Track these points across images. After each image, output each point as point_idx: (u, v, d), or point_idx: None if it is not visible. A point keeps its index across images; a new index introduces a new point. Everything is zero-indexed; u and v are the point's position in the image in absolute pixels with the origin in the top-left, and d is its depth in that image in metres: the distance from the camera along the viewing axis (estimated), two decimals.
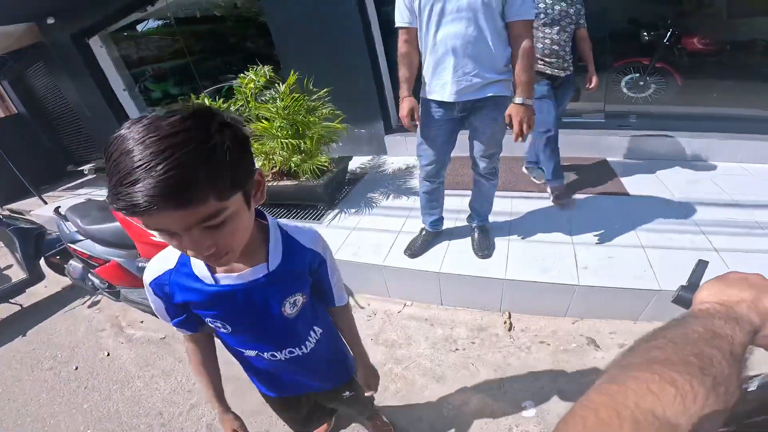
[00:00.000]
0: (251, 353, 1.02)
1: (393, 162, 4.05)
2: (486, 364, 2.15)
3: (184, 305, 0.88)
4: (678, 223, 2.53)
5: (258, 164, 3.17)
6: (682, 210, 2.66)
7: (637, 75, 3.66)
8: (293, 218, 3.18)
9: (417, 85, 2.07)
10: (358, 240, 2.80)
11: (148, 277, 0.85)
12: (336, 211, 3.20)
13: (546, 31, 2.62)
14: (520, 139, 1.92)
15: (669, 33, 3.44)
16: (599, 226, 2.58)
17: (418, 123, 2.07)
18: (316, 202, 3.23)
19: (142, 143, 0.50)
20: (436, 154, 2.20)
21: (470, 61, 1.85)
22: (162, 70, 5.68)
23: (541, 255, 2.38)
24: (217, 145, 0.55)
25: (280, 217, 3.20)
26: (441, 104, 2.02)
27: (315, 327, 1.08)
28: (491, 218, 2.62)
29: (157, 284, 0.85)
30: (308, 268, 0.94)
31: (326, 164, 3.17)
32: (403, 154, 4.11)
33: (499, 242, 2.56)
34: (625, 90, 3.69)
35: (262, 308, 0.89)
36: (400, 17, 1.95)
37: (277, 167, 3.21)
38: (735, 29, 3.51)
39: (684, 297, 0.61)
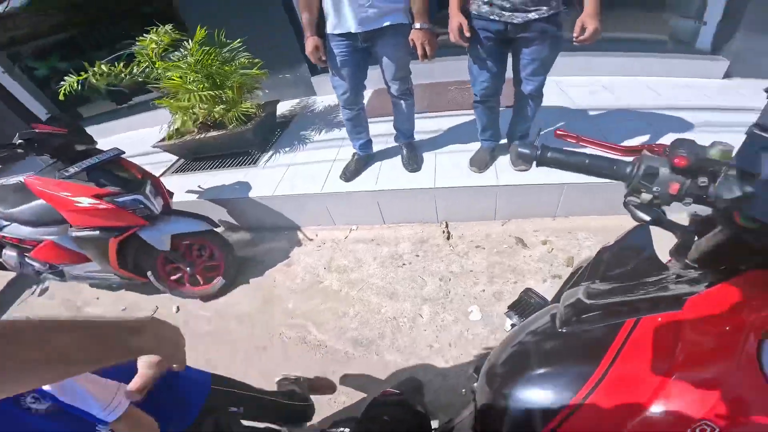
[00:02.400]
0: None
1: (322, 101, 4.03)
2: (431, 274, 2.32)
3: None
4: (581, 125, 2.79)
5: (178, 121, 3.12)
6: (582, 114, 2.92)
7: None
8: (228, 167, 3.17)
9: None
10: (295, 174, 2.86)
11: None
12: (270, 152, 3.22)
13: None
14: (426, 60, 2.06)
15: None
16: None
17: (324, 58, 2.14)
18: (249, 148, 3.23)
19: None
20: (348, 82, 2.26)
21: None
22: (41, 45, 5.18)
23: (465, 163, 2.52)
24: None
25: (216, 168, 3.19)
26: (344, 36, 2.07)
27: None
28: (417, 136, 2.73)
29: None
30: None
31: (252, 110, 3.14)
32: (332, 92, 4.02)
33: (427, 156, 2.68)
34: None
35: None
36: None
37: (200, 119, 3.14)
38: None
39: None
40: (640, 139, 2.47)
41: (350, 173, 2.63)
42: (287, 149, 3.22)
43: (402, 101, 2.43)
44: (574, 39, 1.74)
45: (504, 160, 2.48)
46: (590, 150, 0.69)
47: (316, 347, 2.12)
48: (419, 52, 2.01)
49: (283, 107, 3.88)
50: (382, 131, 2.91)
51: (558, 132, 0.76)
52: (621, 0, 4.17)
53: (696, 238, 0.67)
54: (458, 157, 2.59)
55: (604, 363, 0.57)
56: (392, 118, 2.57)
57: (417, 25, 1.97)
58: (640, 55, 3.62)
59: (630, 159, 0.63)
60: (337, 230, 2.75)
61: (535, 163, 0.66)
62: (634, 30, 4.06)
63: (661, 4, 4.23)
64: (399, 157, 2.68)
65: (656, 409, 0.51)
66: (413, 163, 2.58)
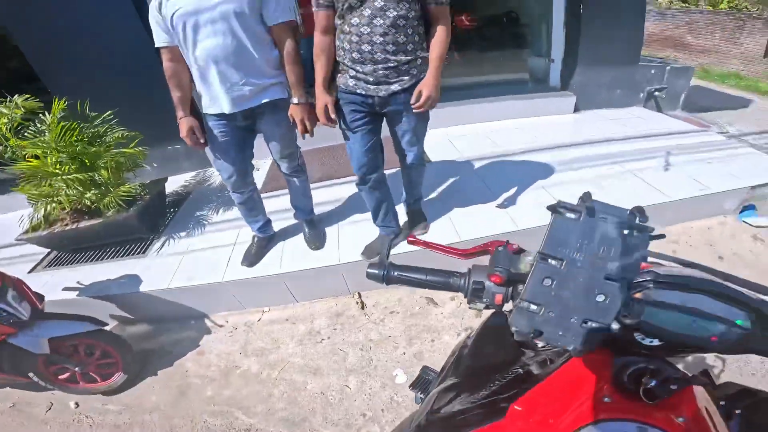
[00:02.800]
0: None
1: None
2: (351, 345, 2.33)
3: None
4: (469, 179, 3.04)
5: (40, 210, 2.75)
6: (468, 166, 3.21)
7: None
8: (110, 258, 2.83)
9: None
10: (193, 262, 2.66)
11: None
12: (163, 239, 2.94)
13: (352, 20, 1.66)
14: (307, 134, 2.01)
15: None
16: None
17: (202, 141, 2.04)
18: (135, 235, 2.90)
19: None
20: (232, 165, 2.16)
21: (235, 71, 1.84)
22: None
23: (369, 234, 2.55)
24: None
25: (97, 260, 2.83)
26: (221, 116, 1.98)
27: None
28: (317, 209, 2.72)
29: None
30: None
31: (134, 192, 2.85)
32: None
33: (331, 230, 2.70)
34: None
35: None
36: (158, 38, 1.81)
37: (68, 208, 2.77)
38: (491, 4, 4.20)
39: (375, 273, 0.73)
40: (502, 201, 2.77)
41: (252, 258, 2.51)
42: (182, 234, 2.96)
43: (294, 179, 2.39)
44: (412, 106, 1.81)
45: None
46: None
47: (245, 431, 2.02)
48: (299, 128, 1.98)
49: (175, 183, 3.60)
50: (282, 206, 2.85)
51: (409, 239, 0.84)
52: (486, 43, 4.67)
53: None
54: (362, 227, 2.64)
55: None
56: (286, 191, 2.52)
57: (294, 100, 1.92)
58: (508, 98, 4.04)
59: (468, 262, 0.74)
60: (248, 314, 2.63)
61: (384, 282, 0.72)
62: (502, 72, 4.50)
63: (521, 44, 4.73)
64: (302, 234, 2.64)
65: None
66: (316, 241, 2.56)
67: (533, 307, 0.55)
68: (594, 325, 0.53)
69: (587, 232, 0.53)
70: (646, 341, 0.59)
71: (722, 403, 0.65)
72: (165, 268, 2.63)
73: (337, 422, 1.98)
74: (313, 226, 2.61)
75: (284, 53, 1.86)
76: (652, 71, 4.22)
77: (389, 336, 2.34)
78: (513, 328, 0.57)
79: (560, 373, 0.64)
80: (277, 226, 2.73)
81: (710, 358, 1.86)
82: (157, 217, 3.14)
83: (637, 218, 0.53)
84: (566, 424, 0.52)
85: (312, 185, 2.58)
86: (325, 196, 3.01)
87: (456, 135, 3.68)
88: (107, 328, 2.21)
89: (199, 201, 3.41)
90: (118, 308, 2.62)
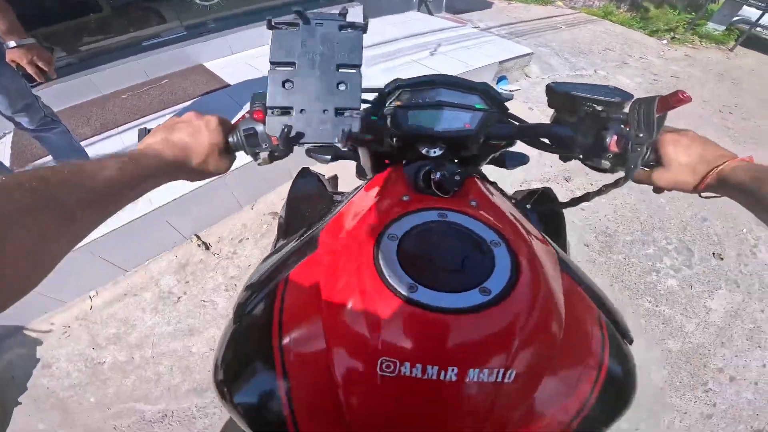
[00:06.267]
0: None
1: None
2: (215, 291, 2.24)
3: None
4: None
5: None
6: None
7: None
8: None
9: None
10: None
11: None
12: None
13: None
14: (45, 78, 1.76)
15: None
16: None
17: None
18: None
19: None
20: None
21: None
22: None
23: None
24: None
25: None
26: None
27: None
28: None
29: None
30: None
31: None
32: None
33: None
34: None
35: None
36: None
37: None
38: None
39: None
40: None
41: None
42: None
43: (48, 134, 1.98)
44: None
45: None
46: None
47: (162, 419, 1.95)
48: (31, 71, 1.68)
49: None
50: None
51: None
52: None
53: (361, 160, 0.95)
54: None
55: (275, 339, 0.52)
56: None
57: (11, 44, 1.62)
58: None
59: None
60: (73, 306, 2.20)
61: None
62: None
63: None
64: None
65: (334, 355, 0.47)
66: None
67: (282, 113, 0.62)
68: (347, 113, 0.61)
69: (308, 38, 0.60)
70: (431, 153, 0.72)
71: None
72: None
73: None
74: None
75: None
76: None
77: (249, 265, 2.26)
78: (271, 135, 0.63)
79: (359, 195, 0.70)
80: None
81: None
82: None
83: (345, 17, 0.61)
84: (374, 228, 0.54)
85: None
86: (106, 147, 2.51)
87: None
88: None
89: None
90: None
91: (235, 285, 2.19)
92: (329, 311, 0.49)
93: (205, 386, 1.99)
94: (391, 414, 0.45)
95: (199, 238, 2.28)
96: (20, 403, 1.97)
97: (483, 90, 0.74)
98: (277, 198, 2.43)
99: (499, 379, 0.43)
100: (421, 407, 0.44)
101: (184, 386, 2.00)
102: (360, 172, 1.00)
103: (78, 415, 1.96)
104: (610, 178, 0.69)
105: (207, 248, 2.27)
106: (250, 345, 0.56)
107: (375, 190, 0.66)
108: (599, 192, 0.71)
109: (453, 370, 0.42)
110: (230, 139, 0.65)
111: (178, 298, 2.19)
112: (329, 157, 0.80)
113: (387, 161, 0.87)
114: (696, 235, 2.42)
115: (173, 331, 2.13)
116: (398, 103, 0.72)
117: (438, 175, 0.62)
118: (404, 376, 0.43)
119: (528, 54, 4.28)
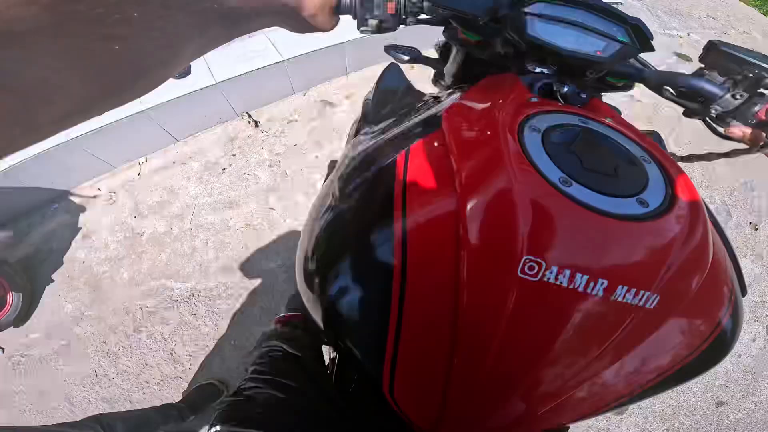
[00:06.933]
0: None
1: None
2: (258, 166, 2.20)
3: None
4: None
5: None
6: None
7: None
8: None
9: None
10: None
11: None
12: None
13: None
14: None
15: None
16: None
17: None
18: None
19: None
20: None
21: None
22: None
23: (242, 52, 2.22)
24: None
25: None
26: None
27: None
28: None
29: None
30: None
31: None
32: None
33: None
34: None
35: None
36: None
37: None
38: None
39: None
40: None
41: None
42: None
43: None
44: None
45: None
46: None
47: (189, 298, 1.86)
48: None
49: None
50: None
51: None
52: None
53: (446, 65, 0.84)
54: (232, 47, 2.24)
55: (398, 207, 0.46)
56: None
57: None
58: None
59: None
60: (122, 171, 2.21)
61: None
62: None
63: None
64: None
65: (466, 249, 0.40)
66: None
67: None
68: None
69: None
70: (538, 70, 0.63)
71: None
72: None
73: (277, 250, 1.94)
74: None
75: None
76: None
77: (295, 144, 2.25)
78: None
79: (478, 88, 0.64)
80: None
81: None
82: None
83: None
84: (512, 118, 0.47)
85: None
86: None
87: None
88: None
89: None
90: None
91: (280, 162, 2.18)
92: (466, 192, 0.42)
93: (237, 266, 1.92)
94: (516, 325, 0.38)
95: (250, 115, 2.30)
96: (53, 281, 1.94)
97: (634, 25, 0.63)
98: (331, 88, 2.43)
99: (641, 303, 0.37)
100: (552, 321, 0.38)
101: (216, 264, 1.93)
102: (438, 79, 0.90)
103: (107, 295, 1.91)
104: (723, 146, 0.66)
105: (256, 125, 2.30)
106: (362, 224, 0.50)
107: (494, 88, 0.60)
108: (725, 155, 0.66)
109: (602, 283, 0.36)
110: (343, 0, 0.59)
111: (223, 169, 2.18)
112: (407, 57, 0.74)
113: (470, 76, 0.79)
114: (739, 202, 2.29)
115: (213, 202, 2.09)
116: (527, 9, 0.61)
117: (566, 88, 0.57)
118: (547, 282, 0.36)
119: (616, 3, 3.92)
